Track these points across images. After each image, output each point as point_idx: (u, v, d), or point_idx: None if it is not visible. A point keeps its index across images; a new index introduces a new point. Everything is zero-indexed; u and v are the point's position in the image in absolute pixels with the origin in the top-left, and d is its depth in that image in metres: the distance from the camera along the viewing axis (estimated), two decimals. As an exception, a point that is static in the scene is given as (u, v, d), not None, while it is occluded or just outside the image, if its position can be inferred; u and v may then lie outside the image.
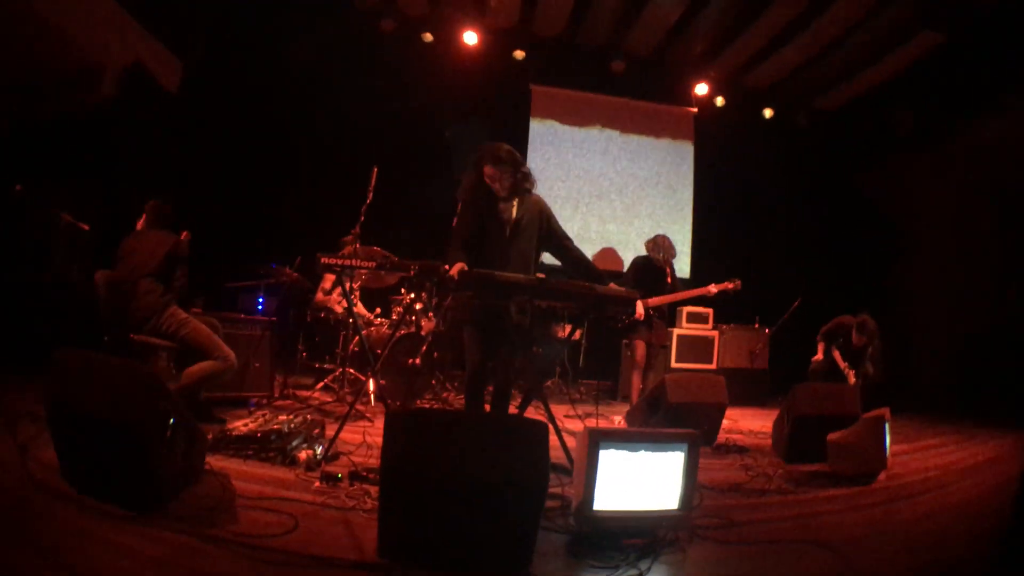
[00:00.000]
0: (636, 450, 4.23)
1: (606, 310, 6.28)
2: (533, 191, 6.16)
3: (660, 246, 9.62)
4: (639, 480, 4.24)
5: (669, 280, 9.57)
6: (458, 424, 3.93)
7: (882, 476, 6.52)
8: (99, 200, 8.86)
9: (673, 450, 4.32)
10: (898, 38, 12.56)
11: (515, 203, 6.03)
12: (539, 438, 3.80)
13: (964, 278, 13.30)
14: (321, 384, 9.03)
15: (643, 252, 9.88)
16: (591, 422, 8.58)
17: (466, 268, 5.38)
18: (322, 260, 5.75)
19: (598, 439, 4.15)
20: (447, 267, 5.40)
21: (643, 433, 4.77)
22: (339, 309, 9.51)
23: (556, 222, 6.29)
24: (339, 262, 5.81)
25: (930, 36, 12.24)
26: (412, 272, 5.62)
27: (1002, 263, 12.60)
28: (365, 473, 5.12)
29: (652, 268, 9.63)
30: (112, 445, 3.97)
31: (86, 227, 8.07)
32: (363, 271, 6.39)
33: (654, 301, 9.37)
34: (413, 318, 9.27)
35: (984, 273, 12.93)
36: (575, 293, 5.62)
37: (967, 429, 10.19)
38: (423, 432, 3.80)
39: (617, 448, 4.20)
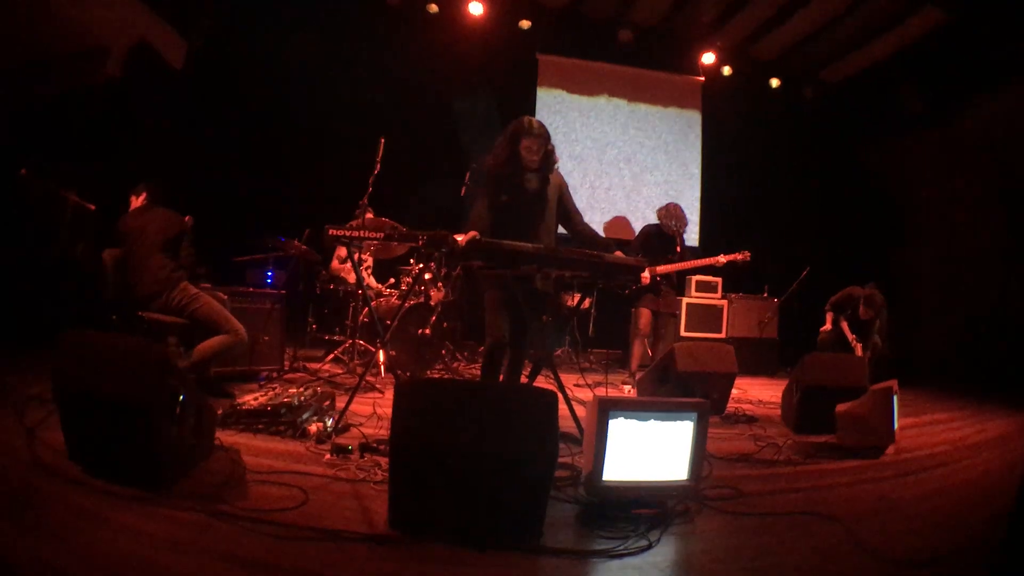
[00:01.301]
0: (646, 419, 4.24)
1: (614, 278, 6.31)
2: (555, 164, 6.25)
3: (672, 214, 9.62)
4: (649, 450, 4.25)
5: (679, 249, 9.57)
6: (467, 394, 3.93)
7: (890, 450, 6.54)
8: (106, 179, 8.86)
9: (683, 419, 4.33)
10: (904, 12, 12.47)
11: (539, 176, 6.13)
12: (548, 408, 3.80)
13: (971, 253, 13.31)
14: (331, 356, 9.07)
15: (652, 220, 9.89)
16: (600, 391, 8.58)
17: (477, 237, 5.40)
18: (330, 232, 5.76)
19: (608, 408, 4.15)
20: (456, 236, 5.42)
21: (653, 402, 4.78)
22: (352, 279, 9.53)
23: (570, 196, 6.43)
24: (347, 233, 5.82)
25: (935, 12, 12.17)
26: (420, 242, 5.63)
27: (1008, 238, 12.58)
28: (375, 444, 5.16)
29: (662, 236, 9.64)
30: (120, 424, 3.98)
31: (92, 207, 8.08)
32: (372, 242, 6.39)
33: (663, 269, 9.38)
34: (422, 288, 9.28)
35: (991, 249, 12.92)
36: (583, 261, 5.64)
37: (976, 404, 10.17)
38: (432, 403, 3.80)
39: (627, 417, 4.20)
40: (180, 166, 9.95)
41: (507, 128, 6.10)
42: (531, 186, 6.10)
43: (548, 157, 6.09)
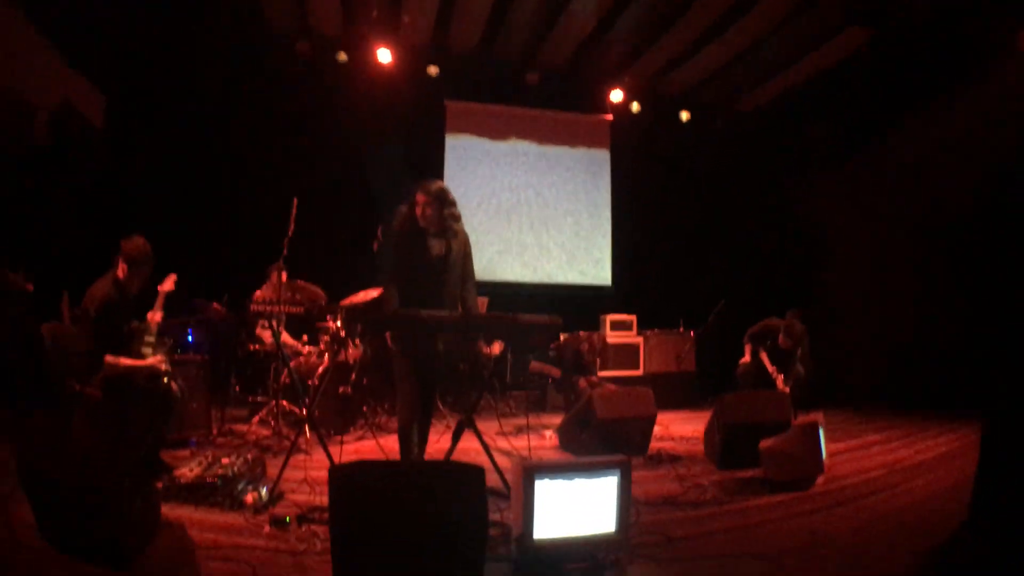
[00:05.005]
0: (571, 478, 4.40)
1: (531, 337, 6.44)
2: (459, 227, 6.27)
3: (594, 349, 10.72)
4: (576, 506, 4.41)
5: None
6: (399, 475, 4.07)
7: (820, 480, 6.59)
8: (36, 246, 8.76)
9: (607, 475, 4.49)
10: (824, 35, 12.57)
11: (441, 239, 6.14)
12: (476, 483, 3.94)
13: (892, 274, 13.43)
14: (256, 418, 9.03)
15: (564, 261, 10.28)
16: (523, 438, 8.57)
17: (397, 308, 5.51)
18: (252, 308, 5.86)
19: (532, 472, 4.32)
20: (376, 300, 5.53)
21: (576, 463, 4.90)
22: (267, 337, 9.48)
23: (470, 262, 6.43)
24: (269, 309, 5.92)
25: (850, 37, 12.34)
26: (339, 317, 5.74)
27: (928, 253, 12.67)
28: (311, 514, 5.24)
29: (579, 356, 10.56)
30: (79, 507, 4.10)
31: (30, 287, 7.90)
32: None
33: None
34: (338, 348, 9.27)
35: (909, 264, 13.02)
36: (499, 325, 5.79)
37: (911, 424, 10.16)
38: (368, 486, 3.91)
39: (552, 478, 4.36)
40: (99, 227, 9.87)
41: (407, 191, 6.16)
42: (434, 250, 6.10)
43: (447, 220, 6.09)
